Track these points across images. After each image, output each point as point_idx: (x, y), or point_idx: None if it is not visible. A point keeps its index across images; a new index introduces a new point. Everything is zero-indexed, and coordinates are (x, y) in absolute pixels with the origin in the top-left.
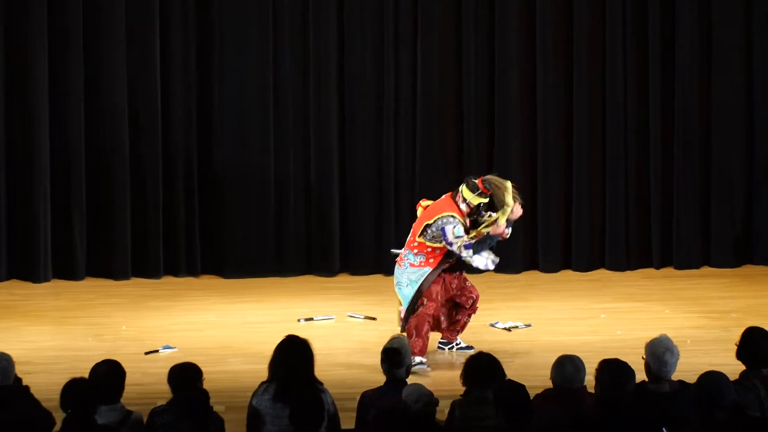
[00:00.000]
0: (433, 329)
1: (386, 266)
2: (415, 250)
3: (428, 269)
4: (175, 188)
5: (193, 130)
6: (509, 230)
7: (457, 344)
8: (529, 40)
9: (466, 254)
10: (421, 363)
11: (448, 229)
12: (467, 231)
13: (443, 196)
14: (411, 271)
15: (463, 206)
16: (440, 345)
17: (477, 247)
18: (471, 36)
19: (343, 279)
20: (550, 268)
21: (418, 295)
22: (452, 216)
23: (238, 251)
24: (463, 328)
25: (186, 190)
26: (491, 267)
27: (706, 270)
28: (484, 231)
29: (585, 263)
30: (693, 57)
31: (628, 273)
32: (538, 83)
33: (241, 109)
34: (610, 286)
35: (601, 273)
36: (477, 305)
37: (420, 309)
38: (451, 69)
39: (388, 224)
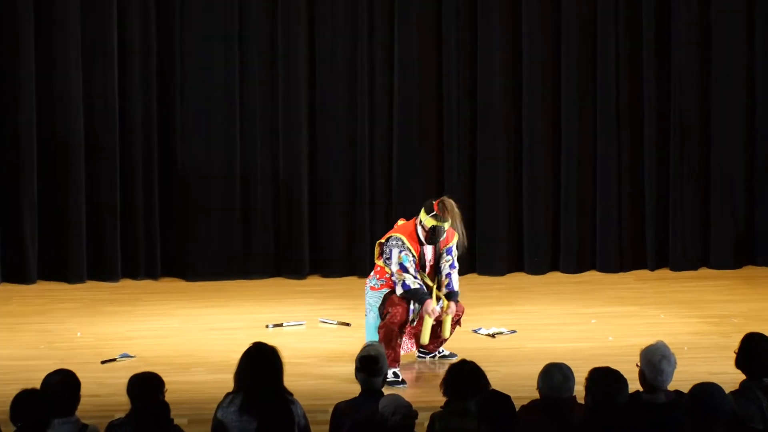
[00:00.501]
0: (406, 334)
1: (360, 268)
2: (377, 275)
3: (387, 290)
4: (134, 185)
5: (153, 124)
6: (437, 310)
7: (439, 352)
8: (515, 29)
9: (397, 289)
10: (395, 375)
11: (395, 253)
12: (421, 263)
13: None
14: (370, 295)
15: (419, 230)
16: (420, 354)
17: (408, 295)
18: (452, 23)
19: (314, 282)
20: (537, 269)
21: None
22: (401, 240)
23: (201, 252)
24: (443, 340)
25: (145, 187)
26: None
27: (704, 271)
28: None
29: (574, 264)
30: (690, 49)
31: (621, 275)
32: (524, 74)
33: (205, 102)
34: (602, 289)
35: (592, 275)
36: (460, 317)
37: (386, 318)
38: (430, 60)
39: (362, 224)
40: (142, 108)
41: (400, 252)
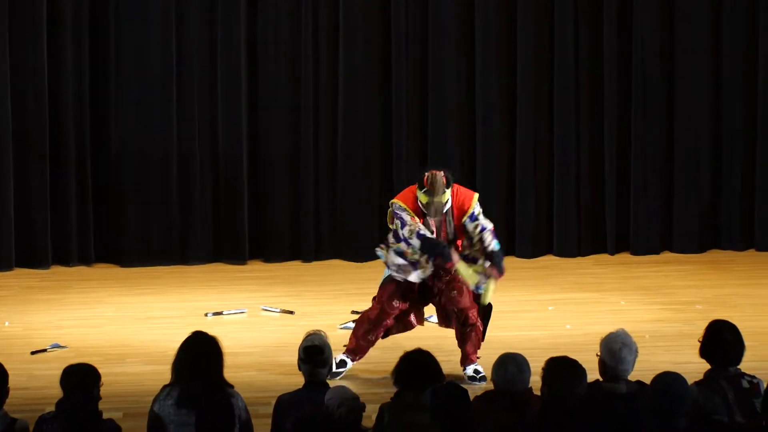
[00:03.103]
0: (384, 334)
1: (304, 253)
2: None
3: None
4: (66, 168)
5: (86, 103)
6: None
7: (465, 372)
8: (468, 0)
9: (413, 240)
10: (341, 363)
11: (398, 212)
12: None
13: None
14: (385, 271)
15: (420, 203)
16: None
17: (426, 247)
18: None
19: (256, 267)
20: None
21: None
22: (401, 206)
23: (137, 237)
24: (462, 346)
25: (78, 169)
26: (397, 275)
27: (667, 256)
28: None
29: (530, 249)
30: (653, 18)
31: (579, 260)
32: (477, 47)
33: (140, 82)
34: (559, 275)
35: (549, 260)
36: (470, 320)
37: (366, 310)
38: (377, 34)
39: (306, 207)
40: (73, 88)
41: (403, 212)
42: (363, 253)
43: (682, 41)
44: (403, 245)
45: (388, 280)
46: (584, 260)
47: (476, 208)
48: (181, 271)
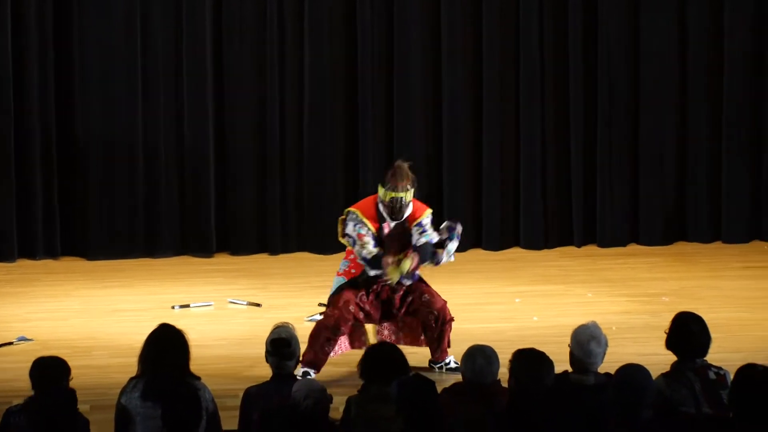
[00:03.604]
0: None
1: (270, 245)
2: (346, 255)
3: (343, 279)
4: (31, 159)
5: (51, 95)
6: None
7: (446, 363)
8: None
9: (358, 259)
10: (306, 374)
11: (350, 227)
12: (379, 239)
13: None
14: (334, 282)
15: (381, 208)
16: (430, 364)
17: (367, 264)
18: None
19: (222, 260)
20: (458, 246)
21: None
22: (356, 214)
23: (103, 230)
24: (440, 345)
25: (43, 161)
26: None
27: (633, 248)
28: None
29: (497, 241)
30: (619, 12)
31: (546, 252)
32: (443, 37)
33: (105, 72)
34: (526, 267)
35: (515, 252)
36: (447, 317)
37: (322, 318)
38: (342, 24)
39: (272, 198)
40: (38, 79)
41: (355, 225)
42: (329, 246)
43: (647, 34)
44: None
45: (342, 288)
46: (551, 252)
47: (426, 219)
48: (147, 264)
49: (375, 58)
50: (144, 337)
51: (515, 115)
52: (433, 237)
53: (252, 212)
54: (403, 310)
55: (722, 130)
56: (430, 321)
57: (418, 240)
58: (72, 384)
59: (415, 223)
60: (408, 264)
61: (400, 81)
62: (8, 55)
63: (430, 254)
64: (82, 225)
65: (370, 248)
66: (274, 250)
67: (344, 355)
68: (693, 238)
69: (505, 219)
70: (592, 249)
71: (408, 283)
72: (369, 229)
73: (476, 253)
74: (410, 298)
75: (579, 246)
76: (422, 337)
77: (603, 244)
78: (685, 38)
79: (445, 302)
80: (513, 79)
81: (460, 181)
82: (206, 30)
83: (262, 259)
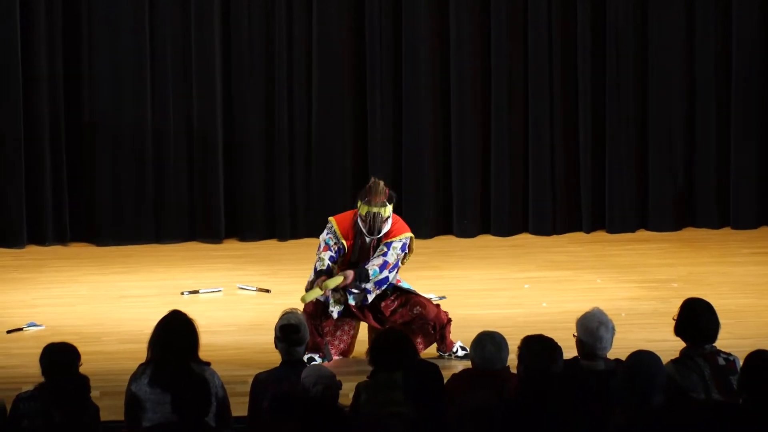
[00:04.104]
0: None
1: (279, 231)
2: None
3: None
4: (40, 145)
5: (59, 78)
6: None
7: (453, 352)
8: None
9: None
10: (311, 359)
11: (323, 233)
12: (353, 254)
13: None
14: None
15: (359, 221)
16: (439, 353)
17: (316, 274)
18: None
19: (231, 246)
20: (467, 232)
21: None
22: (331, 224)
23: (112, 216)
24: (443, 342)
25: (52, 147)
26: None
27: (642, 234)
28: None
29: (506, 227)
30: None
31: (555, 238)
32: (451, 21)
33: (113, 57)
34: (535, 253)
35: (524, 238)
36: (444, 321)
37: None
38: (351, 7)
39: (281, 184)
40: (46, 65)
41: (327, 234)
42: None
43: (656, 19)
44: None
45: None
46: (560, 238)
47: (397, 242)
48: (155, 250)
49: (384, 44)
50: (153, 323)
51: (524, 102)
52: (389, 260)
53: (261, 198)
54: (395, 319)
55: (731, 117)
56: (428, 330)
57: (373, 258)
58: (81, 370)
59: (386, 241)
60: (336, 281)
61: (408, 67)
62: (17, 41)
63: (364, 278)
64: (91, 211)
65: (325, 261)
66: (282, 236)
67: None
68: (702, 224)
69: (514, 205)
70: (600, 235)
71: (366, 290)
72: (337, 242)
73: (485, 239)
74: (400, 311)
75: (588, 232)
76: (419, 339)
77: (612, 230)
78: (693, 24)
79: (438, 306)
80: (521, 65)
81: (468, 167)
82: (214, 15)
83: (271, 244)
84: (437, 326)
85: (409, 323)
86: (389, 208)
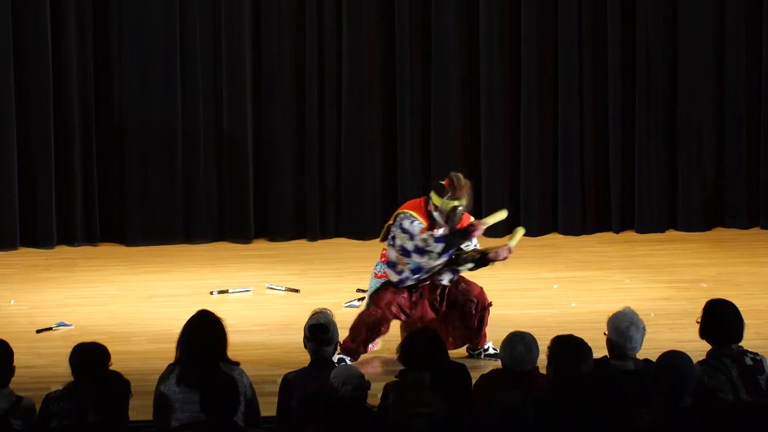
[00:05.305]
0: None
1: (309, 231)
2: (382, 258)
3: (381, 281)
4: (70, 145)
5: (90, 79)
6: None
7: (485, 350)
8: None
9: (433, 248)
10: (342, 360)
11: (406, 224)
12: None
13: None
14: (372, 282)
15: (436, 215)
16: (468, 351)
17: (447, 244)
18: None
19: (261, 245)
20: (496, 232)
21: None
22: (411, 214)
23: (141, 216)
24: (480, 330)
25: (82, 147)
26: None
27: (671, 234)
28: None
29: (535, 227)
30: None
31: (584, 238)
32: (481, 20)
33: (144, 58)
34: (564, 253)
35: (554, 238)
36: (486, 302)
37: (362, 311)
38: (381, 8)
39: (311, 184)
40: (77, 62)
41: (412, 222)
42: (367, 232)
43: (686, 19)
44: (415, 258)
45: (385, 287)
46: (589, 238)
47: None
48: (185, 250)
49: (413, 46)
50: (182, 323)
51: (553, 101)
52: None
53: (290, 198)
54: (444, 303)
55: (761, 117)
56: (470, 308)
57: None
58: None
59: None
60: (500, 216)
61: (438, 67)
62: (47, 42)
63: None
64: (121, 211)
65: (440, 232)
66: (312, 236)
67: (382, 341)
68: (731, 224)
69: (543, 205)
70: (630, 235)
71: (446, 281)
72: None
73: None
74: (447, 290)
75: (617, 232)
76: (450, 339)
77: (641, 230)
78: (722, 25)
79: (482, 288)
80: (551, 66)
81: (498, 167)
82: (244, 16)
83: (301, 245)
84: (479, 305)
85: (455, 302)
86: (466, 198)
